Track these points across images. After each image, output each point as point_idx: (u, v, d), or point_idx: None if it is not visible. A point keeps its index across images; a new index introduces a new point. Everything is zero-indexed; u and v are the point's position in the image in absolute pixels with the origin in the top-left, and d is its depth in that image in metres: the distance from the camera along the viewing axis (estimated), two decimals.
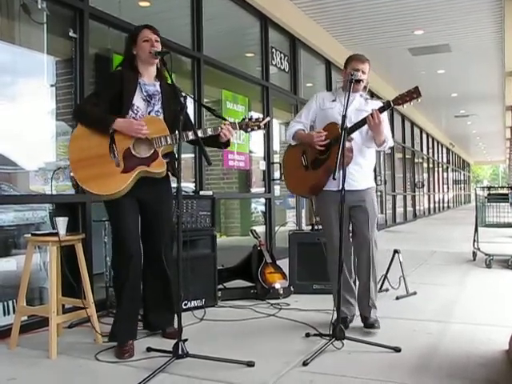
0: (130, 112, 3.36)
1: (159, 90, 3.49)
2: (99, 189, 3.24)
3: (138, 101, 3.39)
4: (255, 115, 3.53)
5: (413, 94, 3.45)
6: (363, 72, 3.83)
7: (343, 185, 3.40)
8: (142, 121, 3.28)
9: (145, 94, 3.42)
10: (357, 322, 3.94)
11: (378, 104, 3.80)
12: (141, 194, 3.36)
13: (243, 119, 3.50)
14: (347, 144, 3.66)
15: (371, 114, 3.56)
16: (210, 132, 3.38)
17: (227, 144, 3.56)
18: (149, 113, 3.42)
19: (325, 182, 3.78)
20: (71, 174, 3.27)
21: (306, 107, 4.10)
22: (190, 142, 3.53)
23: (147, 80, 3.47)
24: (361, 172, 3.82)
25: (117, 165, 3.23)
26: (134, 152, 3.26)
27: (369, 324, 3.75)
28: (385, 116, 3.73)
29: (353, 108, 3.77)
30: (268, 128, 7.53)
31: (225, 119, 3.56)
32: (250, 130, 3.49)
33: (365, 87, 3.93)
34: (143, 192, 3.35)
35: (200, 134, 3.32)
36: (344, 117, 3.45)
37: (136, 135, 3.24)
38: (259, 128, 3.49)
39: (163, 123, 3.35)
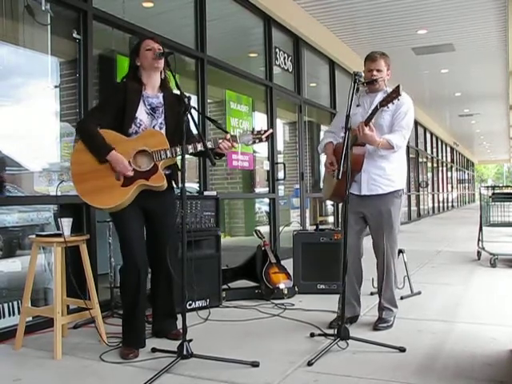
0: (133, 125, 3.36)
1: (162, 101, 3.49)
2: (99, 202, 3.27)
3: (141, 114, 3.39)
4: (257, 128, 3.52)
5: (393, 94, 3.47)
6: (378, 70, 3.80)
7: (347, 187, 3.41)
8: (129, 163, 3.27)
9: (148, 107, 3.42)
10: (362, 322, 3.95)
11: (404, 98, 3.76)
12: (145, 204, 3.37)
13: (245, 132, 3.49)
14: (360, 150, 3.69)
15: (357, 126, 3.55)
16: (209, 145, 3.37)
17: (223, 155, 3.55)
18: (153, 126, 3.42)
19: (343, 188, 3.75)
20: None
21: (336, 115, 4.22)
22: (193, 154, 3.53)
23: (150, 92, 3.47)
24: (384, 176, 3.79)
25: (117, 178, 3.25)
26: (133, 166, 3.27)
27: (375, 324, 3.82)
28: (406, 112, 3.73)
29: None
30: (272, 128, 7.52)
31: (227, 132, 3.55)
32: (251, 143, 3.48)
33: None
34: (147, 202, 3.36)
35: (200, 147, 3.30)
36: (348, 117, 3.45)
37: (119, 172, 3.24)
38: (261, 141, 3.47)
39: (163, 136, 3.35)
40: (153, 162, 3.28)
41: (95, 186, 3.24)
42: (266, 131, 3.47)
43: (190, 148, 3.31)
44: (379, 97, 3.80)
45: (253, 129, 3.50)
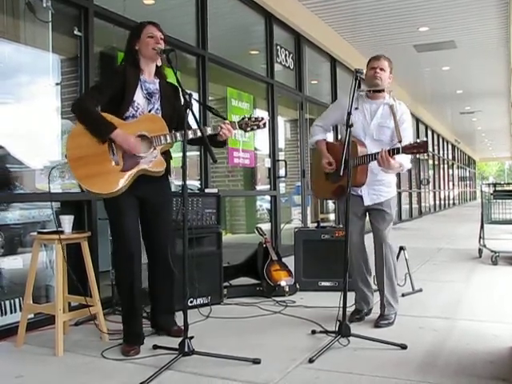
0: (131, 109, 3.34)
1: (158, 88, 3.49)
2: (98, 187, 3.21)
3: (138, 98, 3.38)
4: (255, 114, 3.52)
5: (420, 149, 3.46)
6: (381, 69, 3.81)
7: (348, 186, 3.42)
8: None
9: (145, 91, 3.42)
10: (368, 317, 3.99)
11: (403, 108, 3.87)
12: (140, 192, 3.34)
13: (242, 118, 3.49)
14: (364, 169, 3.75)
15: (381, 155, 3.54)
16: (209, 131, 3.37)
17: (225, 143, 3.55)
18: (149, 111, 3.41)
19: (338, 197, 3.95)
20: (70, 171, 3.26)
21: (329, 112, 4.19)
22: (192, 143, 3.51)
23: (148, 77, 3.46)
24: (386, 185, 3.89)
25: (116, 163, 3.22)
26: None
27: (376, 321, 3.82)
28: (406, 128, 3.79)
29: (376, 122, 3.83)
30: (273, 125, 7.53)
31: (225, 118, 3.55)
32: (249, 129, 3.49)
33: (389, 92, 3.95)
34: (142, 190, 3.33)
35: (199, 133, 3.28)
36: (349, 114, 3.45)
37: (128, 150, 3.21)
38: (259, 127, 3.49)
39: (163, 121, 3.34)
40: (152, 147, 3.27)
41: (93, 171, 3.18)
42: (263, 118, 3.50)
43: (190, 133, 3.29)
44: (381, 110, 3.84)
45: (250, 115, 3.50)
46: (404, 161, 3.72)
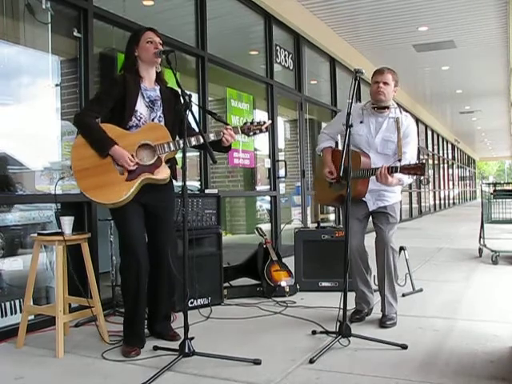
0: (134, 118, 3.33)
1: (159, 94, 3.48)
2: (103, 198, 3.22)
3: (141, 107, 3.37)
4: (257, 119, 3.51)
5: (417, 171, 3.46)
6: (384, 83, 3.80)
7: (348, 188, 3.42)
8: (133, 154, 3.23)
9: (147, 100, 3.40)
10: (369, 317, 3.99)
11: (408, 121, 3.88)
12: (144, 199, 3.34)
13: (245, 123, 3.48)
14: (364, 183, 3.78)
15: (380, 172, 3.56)
16: (212, 137, 3.37)
17: (229, 148, 3.55)
18: (152, 119, 3.40)
19: (340, 204, 3.99)
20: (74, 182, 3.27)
21: (335, 122, 4.22)
22: (194, 147, 3.52)
23: (148, 85, 3.45)
24: (390, 191, 3.89)
25: (121, 173, 3.22)
26: (137, 159, 3.24)
27: (381, 321, 3.82)
28: (409, 142, 3.81)
29: (380, 136, 3.84)
30: (273, 126, 7.53)
31: (227, 124, 3.55)
32: (252, 133, 3.47)
33: (398, 105, 3.96)
34: (146, 197, 3.33)
35: (202, 139, 3.27)
36: (349, 114, 3.45)
37: (123, 166, 3.21)
38: (261, 131, 3.48)
39: (165, 130, 3.33)
40: (156, 156, 3.27)
41: (98, 182, 3.19)
42: (265, 122, 3.49)
43: (193, 140, 3.29)
44: (386, 122, 3.86)
45: (252, 119, 3.50)
46: (406, 179, 3.73)
